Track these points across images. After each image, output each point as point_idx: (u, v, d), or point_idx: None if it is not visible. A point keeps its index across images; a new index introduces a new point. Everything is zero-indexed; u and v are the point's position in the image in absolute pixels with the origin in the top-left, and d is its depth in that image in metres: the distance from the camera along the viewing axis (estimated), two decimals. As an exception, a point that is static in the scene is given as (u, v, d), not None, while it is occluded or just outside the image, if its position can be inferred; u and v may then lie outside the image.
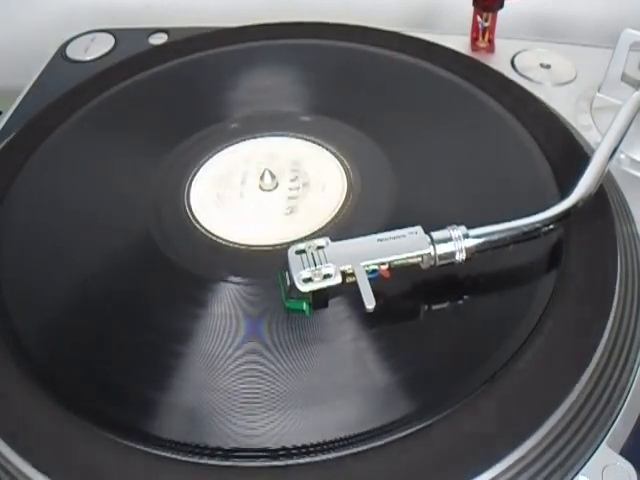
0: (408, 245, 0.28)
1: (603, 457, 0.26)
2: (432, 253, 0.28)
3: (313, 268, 0.28)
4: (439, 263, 0.28)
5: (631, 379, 0.28)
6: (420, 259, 0.28)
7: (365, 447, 0.25)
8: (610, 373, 0.28)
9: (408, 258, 0.28)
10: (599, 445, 0.26)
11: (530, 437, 0.25)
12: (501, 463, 0.24)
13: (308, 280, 0.28)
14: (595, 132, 0.39)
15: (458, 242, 0.28)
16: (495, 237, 0.29)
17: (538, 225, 0.29)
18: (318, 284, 0.27)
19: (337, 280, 0.27)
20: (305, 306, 0.29)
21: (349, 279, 0.28)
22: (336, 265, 0.28)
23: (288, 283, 0.28)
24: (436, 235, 0.29)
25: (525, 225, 0.29)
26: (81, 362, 0.29)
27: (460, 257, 0.28)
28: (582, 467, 0.25)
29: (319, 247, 0.28)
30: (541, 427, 0.25)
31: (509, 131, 0.37)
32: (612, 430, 0.27)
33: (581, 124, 0.40)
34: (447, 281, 0.30)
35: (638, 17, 0.48)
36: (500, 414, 0.25)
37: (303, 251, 0.28)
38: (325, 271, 0.28)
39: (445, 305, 0.30)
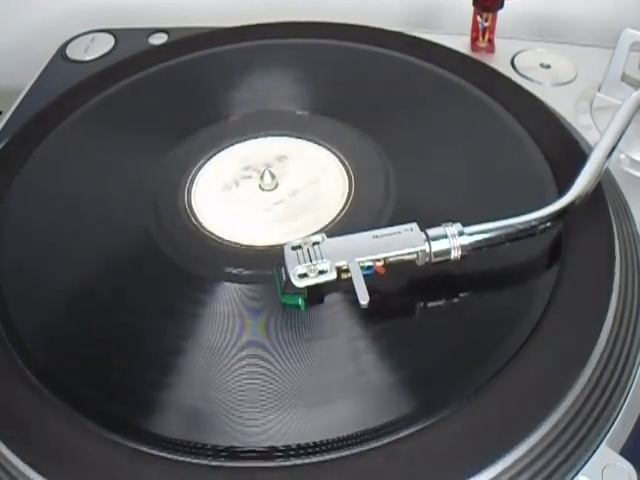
0: (403, 242, 0.28)
1: (603, 457, 0.26)
2: (427, 250, 0.28)
3: (309, 264, 0.28)
4: (434, 260, 0.28)
5: (631, 379, 0.28)
6: (415, 256, 0.28)
7: (365, 447, 0.25)
8: (610, 373, 0.28)
9: (403, 255, 0.28)
10: (599, 445, 0.26)
11: (530, 437, 0.25)
12: (501, 463, 0.24)
13: (303, 276, 0.28)
14: (595, 132, 0.39)
15: (453, 239, 0.28)
16: (491, 235, 0.29)
17: (534, 223, 0.29)
18: (313, 280, 0.28)
19: (332, 276, 0.28)
20: (300, 301, 0.29)
21: (344, 275, 0.28)
22: (331, 261, 0.28)
23: (284, 278, 0.28)
24: (431, 232, 0.29)
25: (521, 223, 0.29)
26: (81, 362, 0.29)
27: (455, 254, 0.28)
28: (582, 467, 0.25)
29: (315, 243, 0.28)
30: (541, 427, 0.25)
31: (508, 130, 0.37)
32: (612, 430, 0.26)
33: (581, 124, 0.40)
34: (449, 281, 0.30)
35: (638, 17, 0.48)
36: (500, 414, 0.25)
37: (299, 247, 0.28)
38: (320, 267, 0.28)
39: (446, 305, 0.30)
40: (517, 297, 0.30)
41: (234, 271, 0.31)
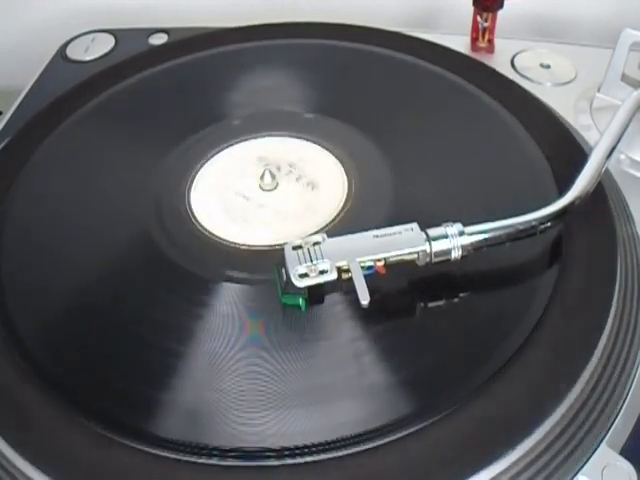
0: (404, 242, 0.28)
1: (603, 457, 0.26)
2: (428, 250, 0.28)
3: (309, 264, 0.28)
4: (435, 260, 0.28)
5: (631, 379, 0.28)
6: (416, 256, 0.28)
7: (365, 447, 0.25)
8: (610, 373, 0.28)
9: (404, 255, 0.28)
10: (599, 445, 0.26)
11: (530, 437, 0.25)
12: (501, 463, 0.24)
13: (304, 275, 0.28)
14: (595, 132, 0.39)
15: (454, 239, 0.28)
16: (491, 235, 0.29)
17: (534, 223, 0.29)
18: (314, 280, 0.28)
19: (333, 276, 0.28)
20: (301, 301, 0.29)
21: (345, 275, 0.28)
22: (332, 261, 0.28)
23: (284, 278, 0.28)
24: (432, 232, 0.29)
25: (521, 223, 0.29)
26: (82, 362, 0.29)
27: (456, 254, 0.28)
28: (582, 467, 0.25)
29: (315, 243, 0.28)
30: (541, 427, 0.25)
31: (508, 130, 0.37)
32: (612, 430, 0.26)
33: (581, 124, 0.40)
34: (449, 281, 0.30)
35: (638, 17, 0.48)
36: (500, 414, 0.25)
37: (300, 247, 0.28)
38: (321, 267, 0.28)
39: (446, 305, 0.30)
40: (517, 297, 0.30)
41: (234, 272, 0.31)
